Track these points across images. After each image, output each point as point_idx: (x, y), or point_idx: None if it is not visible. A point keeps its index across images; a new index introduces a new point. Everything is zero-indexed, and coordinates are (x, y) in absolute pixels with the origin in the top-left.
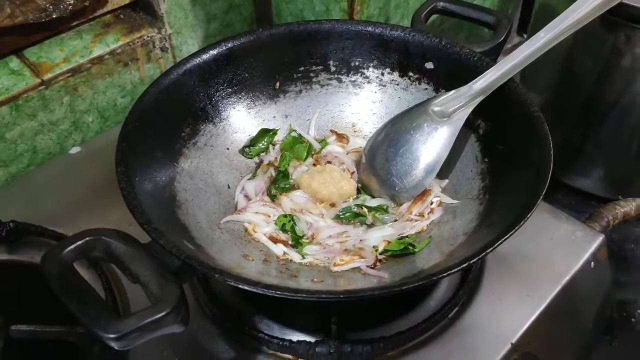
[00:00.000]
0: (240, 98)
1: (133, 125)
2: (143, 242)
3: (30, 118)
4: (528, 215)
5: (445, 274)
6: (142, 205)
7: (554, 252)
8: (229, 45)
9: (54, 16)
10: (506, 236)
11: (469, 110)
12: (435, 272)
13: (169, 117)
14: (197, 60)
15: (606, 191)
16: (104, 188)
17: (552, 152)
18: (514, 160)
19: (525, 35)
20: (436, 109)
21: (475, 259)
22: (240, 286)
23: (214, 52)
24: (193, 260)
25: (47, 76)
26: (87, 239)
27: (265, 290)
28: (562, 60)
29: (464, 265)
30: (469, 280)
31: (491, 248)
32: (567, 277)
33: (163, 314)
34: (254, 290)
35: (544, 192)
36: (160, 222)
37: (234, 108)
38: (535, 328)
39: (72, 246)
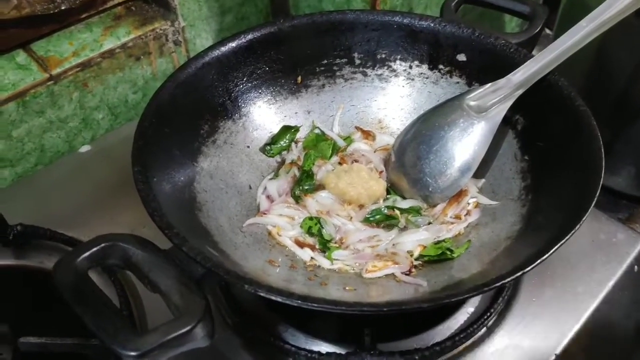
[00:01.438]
0: (260, 93)
1: (149, 122)
2: (162, 248)
3: (38, 115)
4: (583, 218)
5: (497, 284)
6: (161, 208)
7: (595, 256)
8: (249, 37)
9: (63, 8)
10: (561, 242)
11: (508, 104)
12: (486, 282)
13: (187, 113)
14: (216, 53)
15: (638, 190)
16: (115, 188)
17: (602, 149)
18: (558, 158)
19: (547, 30)
20: (472, 103)
21: (528, 268)
22: (273, 298)
23: (233, 44)
24: (220, 269)
25: (56, 71)
26: (103, 245)
27: (301, 302)
28: (593, 53)
29: (517, 274)
30: (506, 287)
31: (545, 255)
32: (611, 284)
33: (188, 328)
34: (288, 302)
35: (598, 192)
36: (181, 227)
37: (254, 104)
38: (579, 338)
39: (87, 253)
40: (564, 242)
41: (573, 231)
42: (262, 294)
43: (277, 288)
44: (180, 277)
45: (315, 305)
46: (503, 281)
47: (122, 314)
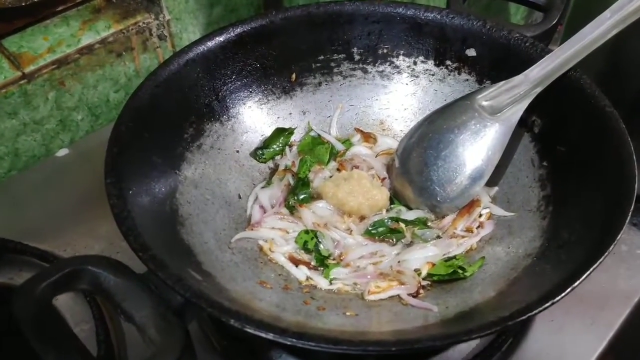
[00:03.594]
0: (251, 92)
1: (126, 126)
2: (139, 272)
3: (11, 117)
4: (618, 236)
5: (523, 317)
6: (137, 226)
7: (618, 269)
8: (238, 30)
9: (37, 0)
10: (596, 263)
11: (524, 104)
12: (510, 315)
13: (169, 115)
14: (201, 48)
15: None
16: (95, 196)
17: (634, 155)
18: (582, 165)
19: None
20: (484, 103)
21: (559, 297)
22: (264, 335)
23: (220, 38)
24: (202, 300)
25: (30, 68)
26: (69, 269)
27: (296, 341)
28: (608, 45)
29: (546, 304)
30: None
31: (579, 280)
32: (636, 299)
33: None
34: (281, 341)
35: (632, 205)
36: (160, 247)
37: (244, 104)
38: None
39: (51, 279)
40: (599, 264)
41: (608, 251)
42: (250, 331)
43: (267, 323)
44: (157, 306)
45: (313, 344)
46: (530, 313)
47: (88, 353)
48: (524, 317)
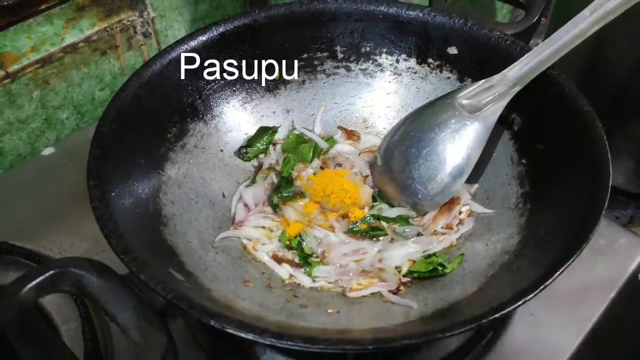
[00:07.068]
0: (234, 91)
1: (109, 128)
2: (122, 273)
3: None
4: (590, 235)
5: (497, 315)
6: (119, 228)
7: (596, 264)
8: (221, 29)
9: None
10: (567, 263)
11: (503, 103)
12: (484, 313)
13: (152, 115)
14: (184, 47)
15: (636, 186)
16: (81, 194)
17: (609, 154)
18: (560, 163)
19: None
20: (464, 101)
21: (531, 295)
22: (243, 336)
23: (203, 37)
24: (183, 302)
25: (13, 68)
26: (52, 272)
27: (275, 340)
28: (591, 41)
29: (519, 303)
30: None
31: (551, 279)
32: (613, 294)
33: None
34: (260, 340)
35: (605, 204)
36: (142, 248)
37: (228, 103)
38: (581, 354)
39: (34, 282)
40: (572, 262)
41: (579, 251)
42: (230, 331)
43: (247, 324)
44: (139, 308)
45: (292, 343)
46: (503, 311)
47: (73, 357)
48: (497, 315)
